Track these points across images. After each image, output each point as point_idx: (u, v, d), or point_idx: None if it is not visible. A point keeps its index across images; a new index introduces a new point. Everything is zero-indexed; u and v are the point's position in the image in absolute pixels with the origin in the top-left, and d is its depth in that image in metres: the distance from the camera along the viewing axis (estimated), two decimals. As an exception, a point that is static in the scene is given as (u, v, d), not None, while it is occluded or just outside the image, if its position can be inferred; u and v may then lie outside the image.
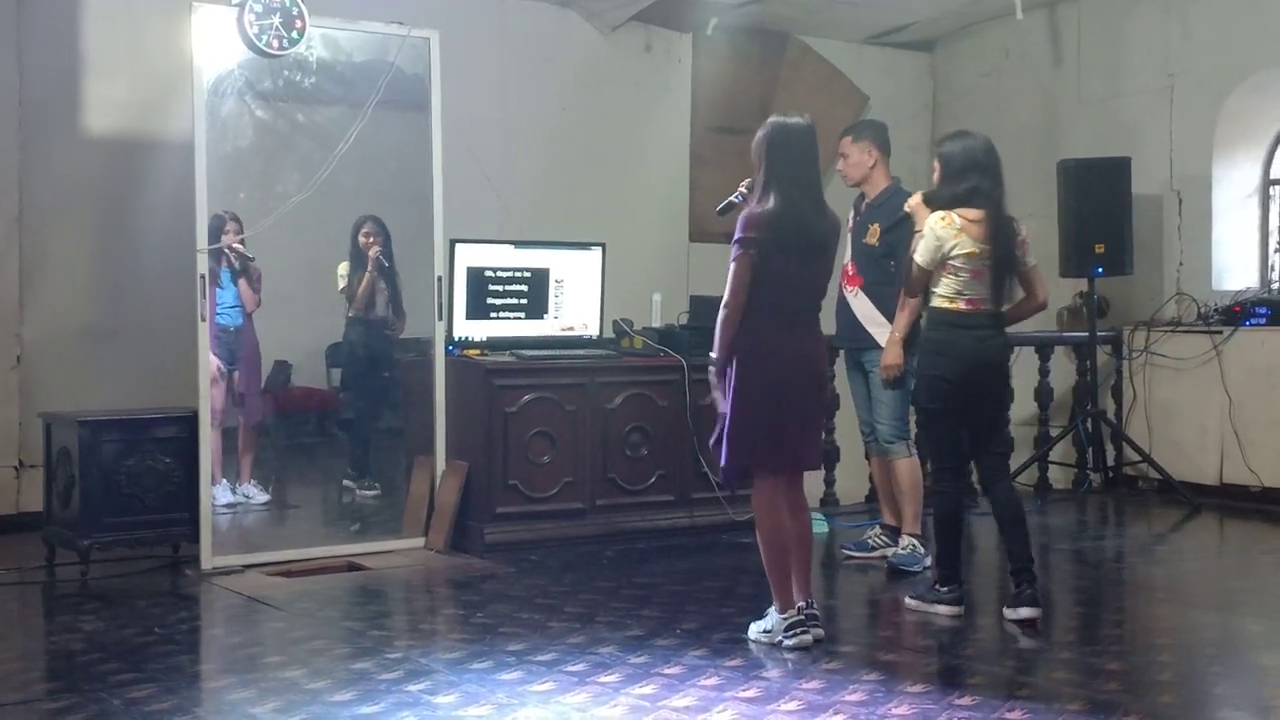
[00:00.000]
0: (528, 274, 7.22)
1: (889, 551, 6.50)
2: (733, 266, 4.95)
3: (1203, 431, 8.46)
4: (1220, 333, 8.38)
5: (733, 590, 5.69)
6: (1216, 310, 8.52)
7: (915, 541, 6.39)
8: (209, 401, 6.47)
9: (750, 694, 4.38)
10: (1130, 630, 5.55)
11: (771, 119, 5.09)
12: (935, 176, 5.63)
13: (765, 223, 4.91)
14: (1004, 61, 10.14)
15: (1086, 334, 8.78)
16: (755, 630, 5.07)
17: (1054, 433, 8.90)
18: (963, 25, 10.31)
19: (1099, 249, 8.50)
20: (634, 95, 9.58)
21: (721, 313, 4.98)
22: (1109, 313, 9.05)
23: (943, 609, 5.48)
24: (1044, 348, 8.89)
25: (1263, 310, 8.29)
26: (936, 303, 5.49)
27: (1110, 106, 9.36)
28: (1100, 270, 8.56)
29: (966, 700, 4.29)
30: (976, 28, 10.27)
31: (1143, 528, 7.89)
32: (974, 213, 5.40)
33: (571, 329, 7.33)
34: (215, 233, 6.93)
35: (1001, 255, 5.42)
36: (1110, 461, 8.86)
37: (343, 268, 8.07)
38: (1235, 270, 8.81)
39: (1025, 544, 5.45)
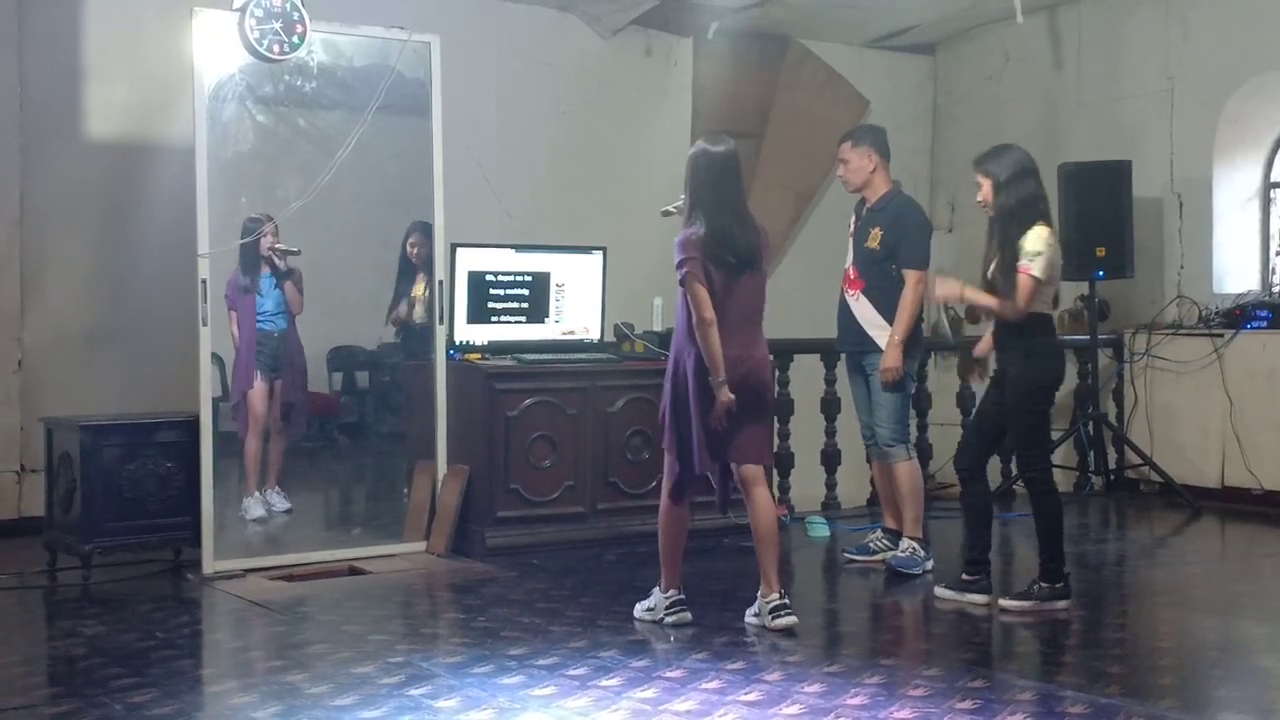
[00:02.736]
0: (529, 278, 7.22)
1: (890, 555, 6.50)
2: (684, 290, 5.27)
3: (1204, 434, 8.46)
4: (1221, 336, 8.39)
5: (733, 594, 5.68)
6: (1217, 313, 8.52)
7: (916, 544, 6.38)
8: (210, 405, 6.46)
9: (751, 697, 4.38)
10: (1132, 633, 5.54)
11: (697, 143, 5.41)
12: (984, 193, 5.69)
13: (697, 245, 5.25)
14: (1004, 65, 10.15)
15: (1088, 337, 8.78)
16: (640, 609, 5.34)
17: (1055, 436, 8.88)
18: (963, 29, 10.31)
19: (1100, 252, 8.50)
20: (634, 99, 9.58)
21: (701, 332, 5.19)
22: (1110, 316, 9.06)
23: (1058, 604, 5.57)
24: (1045, 351, 8.88)
25: (1263, 313, 8.30)
26: (1039, 309, 5.64)
27: (1110, 110, 9.36)
28: (1101, 274, 8.56)
29: (968, 704, 4.29)
30: (977, 31, 10.28)
31: (1144, 531, 7.89)
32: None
33: (572, 333, 7.34)
34: (254, 236, 6.93)
35: None
36: (1112, 465, 8.85)
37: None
38: (1236, 273, 8.81)
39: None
